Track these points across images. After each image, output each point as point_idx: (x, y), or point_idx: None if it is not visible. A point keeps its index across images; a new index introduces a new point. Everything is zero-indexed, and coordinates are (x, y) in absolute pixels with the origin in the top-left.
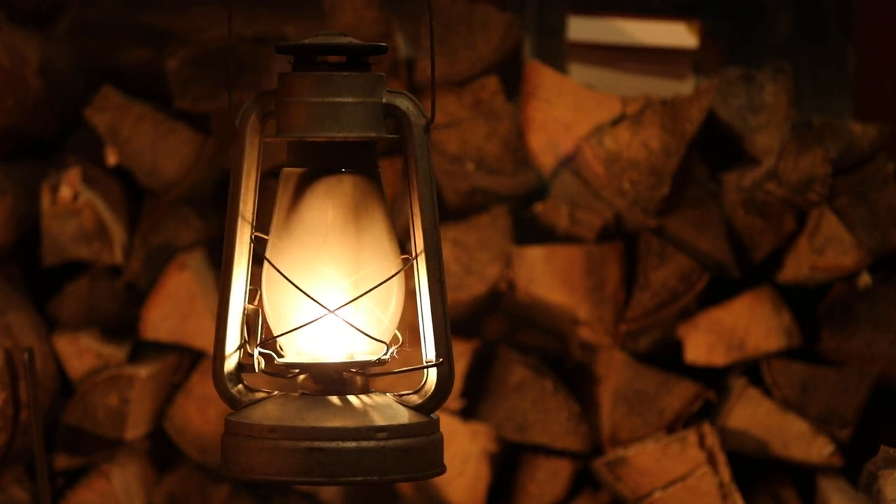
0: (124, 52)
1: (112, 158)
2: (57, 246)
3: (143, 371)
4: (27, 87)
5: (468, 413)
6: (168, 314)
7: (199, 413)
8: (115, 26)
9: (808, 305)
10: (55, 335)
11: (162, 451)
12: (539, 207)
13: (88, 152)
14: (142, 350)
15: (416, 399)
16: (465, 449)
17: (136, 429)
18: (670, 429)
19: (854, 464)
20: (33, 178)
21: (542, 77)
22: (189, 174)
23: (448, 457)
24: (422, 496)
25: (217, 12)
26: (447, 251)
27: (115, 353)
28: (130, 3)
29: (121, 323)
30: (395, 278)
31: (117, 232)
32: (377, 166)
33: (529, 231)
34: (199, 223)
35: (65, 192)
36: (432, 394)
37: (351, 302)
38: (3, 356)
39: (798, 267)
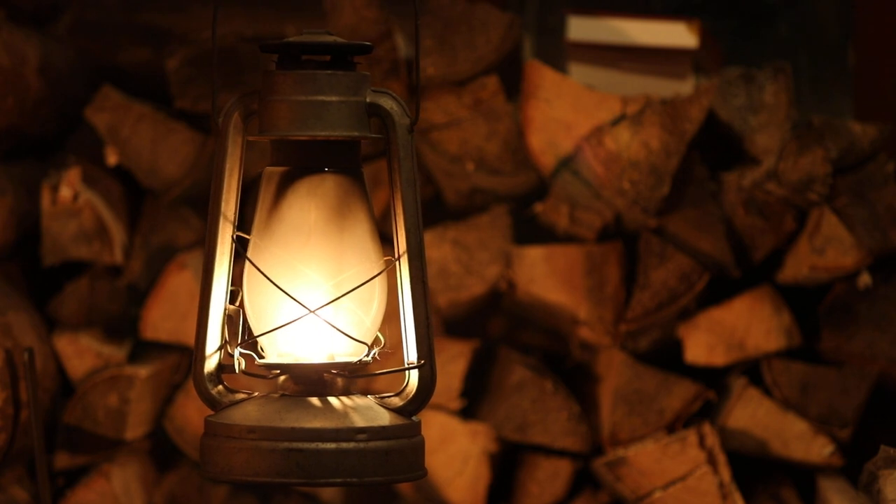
0: (124, 52)
1: (112, 158)
2: (57, 246)
3: (143, 371)
4: (27, 86)
5: (468, 413)
6: (168, 314)
7: (199, 413)
8: (115, 26)
9: (808, 305)
10: (55, 335)
11: (162, 451)
12: (539, 207)
13: (88, 152)
14: (142, 350)
15: (397, 401)
16: (465, 449)
17: (136, 429)
18: (670, 429)
19: (854, 464)
20: (33, 178)
21: (542, 77)
22: (189, 174)
23: (448, 457)
24: (422, 496)
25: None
26: (447, 251)
27: (115, 353)
28: (130, 3)
29: (121, 323)
30: (377, 279)
31: (117, 232)
32: (360, 166)
33: (529, 231)
34: (199, 223)
35: (65, 192)
36: (413, 396)
37: (331, 302)
38: (3, 356)
39: (798, 267)
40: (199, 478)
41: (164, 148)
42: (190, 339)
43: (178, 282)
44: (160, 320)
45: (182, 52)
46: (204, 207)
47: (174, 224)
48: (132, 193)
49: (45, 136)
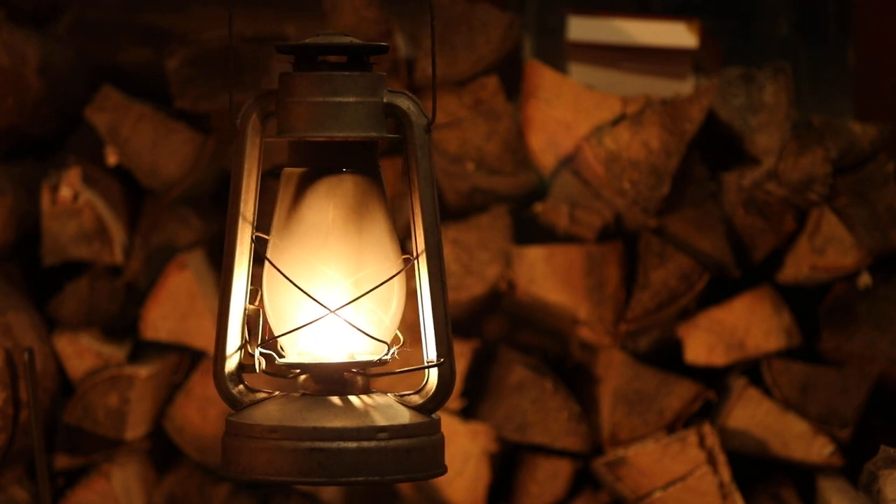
0: (124, 52)
1: (112, 158)
2: (57, 246)
3: (143, 371)
4: (27, 86)
5: (468, 413)
6: (168, 314)
7: (199, 413)
8: (115, 26)
9: (808, 305)
10: (55, 335)
11: (162, 451)
12: (539, 207)
13: (88, 152)
14: (142, 350)
15: (417, 399)
16: (465, 449)
17: (136, 429)
18: (670, 429)
19: (854, 464)
20: (33, 178)
21: (542, 77)
22: (189, 174)
23: (448, 457)
24: (422, 496)
25: (217, 12)
26: (447, 251)
27: (115, 353)
28: (130, 3)
29: (121, 323)
30: (396, 278)
31: (117, 232)
32: (378, 166)
33: (529, 231)
34: (199, 223)
35: (65, 192)
36: (433, 394)
37: (352, 302)
38: (3, 356)
39: (798, 267)
40: (200, 477)
41: (164, 148)
42: (190, 339)
43: (178, 282)
44: (160, 320)
45: (182, 52)
46: (204, 207)
47: (174, 224)
48: (132, 193)
49: (45, 136)
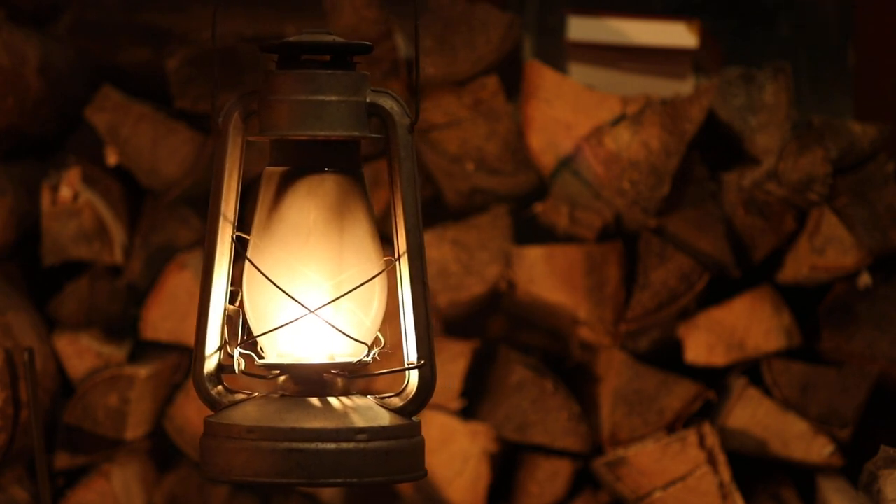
0: (124, 52)
1: (112, 158)
2: (57, 246)
3: (143, 371)
4: (27, 86)
5: (468, 413)
6: (168, 314)
7: (199, 413)
8: (115, 26)
9: (808, 305)
10: (55, 335)
11: (162, 451)
12: (539, 207)
13: (88, 152)
14: (142, 350)
15: (397, 402)
16: (465, 449)
17: (136, 429)
18: (670, 429)
19: (854, 464)
20: (33, 178)
21: (542, 77)
22: (189, 174)
23: (448, 457)
24: (421, 496)
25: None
26: (447, 251)
27: (115, 353)
28: (130, 3)
29: (121, 323)
30: (377, 280)
31: (117, 232)
32: (360, 166)
33: (529, 231)
34: (199, 223)
35: (65, 192)
36: (413, 396)
37: (331, 302)
38: (3, 356)
39: (798, 267)
40: (200, 478)
41: (164, 148)
42: (190, 339)
43: (178, 282)
44: (160, 320)
45: (182, 52)
46: (204, 207)
47: (174, 224)
48: (132, 193)
49: (45, 136)
